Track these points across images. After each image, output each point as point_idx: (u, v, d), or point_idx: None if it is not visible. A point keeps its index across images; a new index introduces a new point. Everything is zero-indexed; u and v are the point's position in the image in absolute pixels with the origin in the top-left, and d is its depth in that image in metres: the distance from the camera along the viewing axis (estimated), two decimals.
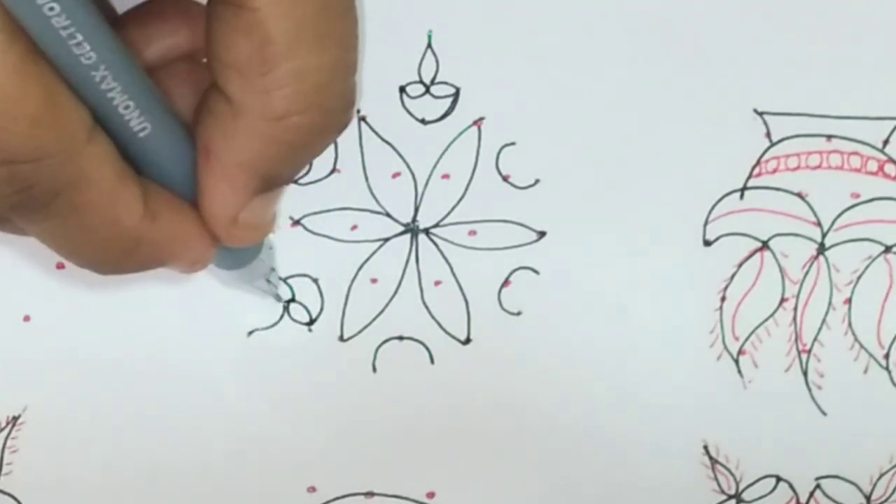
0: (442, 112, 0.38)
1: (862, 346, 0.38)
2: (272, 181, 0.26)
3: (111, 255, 0.26)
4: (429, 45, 0.34)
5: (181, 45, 0.27)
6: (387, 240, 0.38)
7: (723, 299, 0.38)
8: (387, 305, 0.38)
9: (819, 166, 0.37)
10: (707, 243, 0.38)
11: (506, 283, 0.38)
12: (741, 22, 0.37)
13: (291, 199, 0.38)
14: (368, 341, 0.38)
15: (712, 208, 0.37)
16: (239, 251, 0.32)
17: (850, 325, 0.38)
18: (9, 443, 0.38)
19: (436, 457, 0.38)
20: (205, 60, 0.26)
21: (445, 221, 0.38)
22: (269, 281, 0.36)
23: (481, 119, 0.38)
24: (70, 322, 0.38)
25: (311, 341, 0.38)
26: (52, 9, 0.21)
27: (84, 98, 0.23)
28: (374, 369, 0.38)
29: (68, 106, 0.23)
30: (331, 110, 0.24)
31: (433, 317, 0.38)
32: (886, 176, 0.37)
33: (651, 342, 0.38)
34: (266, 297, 0.37)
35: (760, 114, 0.37)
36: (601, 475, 0.38)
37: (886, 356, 0.38)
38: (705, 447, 0.38)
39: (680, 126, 0.37)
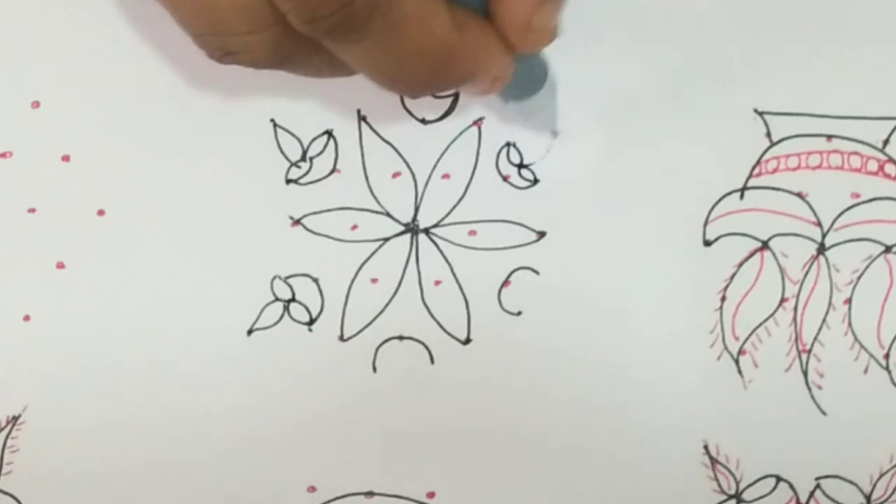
0: (442, 112, 0.38)
1: (862, 346, 0.38)
2: None
3: (426, 69, 0.26)
4: None
5: None
6: (387, 240, 0.38)
7: (723, 299, 0.38)
8: (387, 305, 0.38)
9: (819, 166, 0.37)
10: (707, 243, 0.38)
11: (506, 283, 0.38)
12: (741, 22, 0.37)
13: (291, 199, 0.38)
14: (368, 341, 0.38)
15: (712, 208, 0.37)
16: (527, 79, 0.33)
17: (850, 325, 0.38)
18: (9, 443, 0.38)
19: (436, 457, 0.38)
20: None
21: (445, 221, 0.38)
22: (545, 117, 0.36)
23: (481, 119, 0.38)
24: (70, 322, 0.38)
25: (311, 341, 0.38)
26: None
27: None
28: (374, 369, 0.38)
29: None
30: None
31: (433, 317, 0.38)
32: (886, 176, 0.37)
33: (651, 342, 0.38)
34: (543, 133, 0.37)
35: (760, 114, 0.37)
36: (601, 475, 0.38)
37: (886, 356, 0.38)
38: (705, 447, 0.38)
39: (680, 126, 0.37)
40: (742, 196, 0.37)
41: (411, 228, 0.38)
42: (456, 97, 0.38)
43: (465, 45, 0.27)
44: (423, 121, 0.38)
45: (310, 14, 0.24)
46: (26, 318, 0.38)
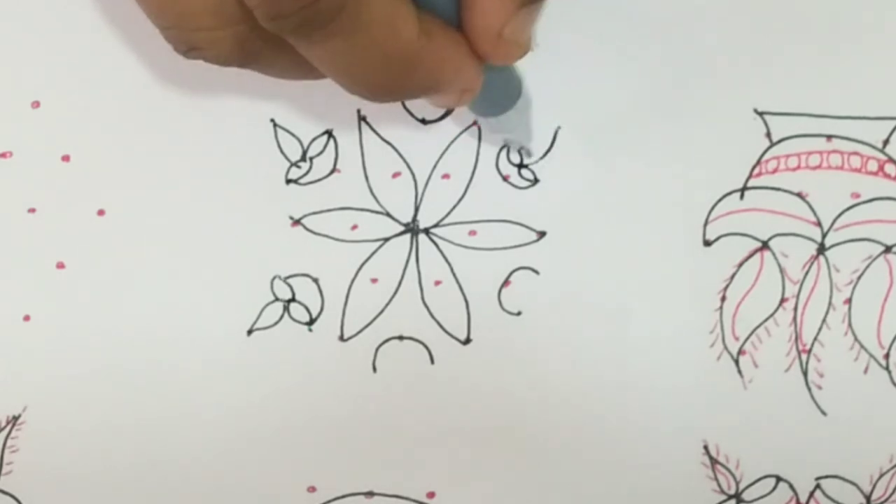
0: (442, 112, 0.38)
1: (862, 346, 0.38)
2: None
3: (390, 73, 0.26)
4: None
5: None
6: (387, 240, 0.38)
7: (723, 299, 0.38)
8: (387, 305, 0.38)
9: (819, 166, 0.37)
10: (707, 243, 0.38)
11: (506, 283, 0.38)
12: (741, 22, 0.37)
13: (291, 199, 0.38)
14: (368, 341, 0.38)
15: (712, 208, 0.37)
16: (499, 93, 0.32)
17: (850, 325, 0.38)
18: (9, 443, 0.38)
19: (436, 457, 0.38)
20: None
21: (445, 221, 0.38)
22: (519, 134, 0.36)
23: None
24: (70, 322, 0.38)
25: (311, 341, 0.38)
26: None
27: None
28: (374, 369, 0.38)
29: None
30: None
31: (433, 317, 0.38)
32: (886, 176, 0.37)
33: (651, 342, 0.38)
34: (517, 149, 0.37)
35: (760, 114, 0.37)
36: (601, 475, 0.38)
37: (886, 356, 0.38)
38: (705, 447, 0.38)
39: (680, 126, 0.37)
40: (742, 196, 0.37)
41: (411, 228, 0.38)
42: None
43: (431, 52, 0.26)
44: (423, 121, 0.38)
45: (275, 11, 0.24)
46: (26, 318, 0.38)
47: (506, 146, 0.37)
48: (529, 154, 0.37)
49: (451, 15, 0.27)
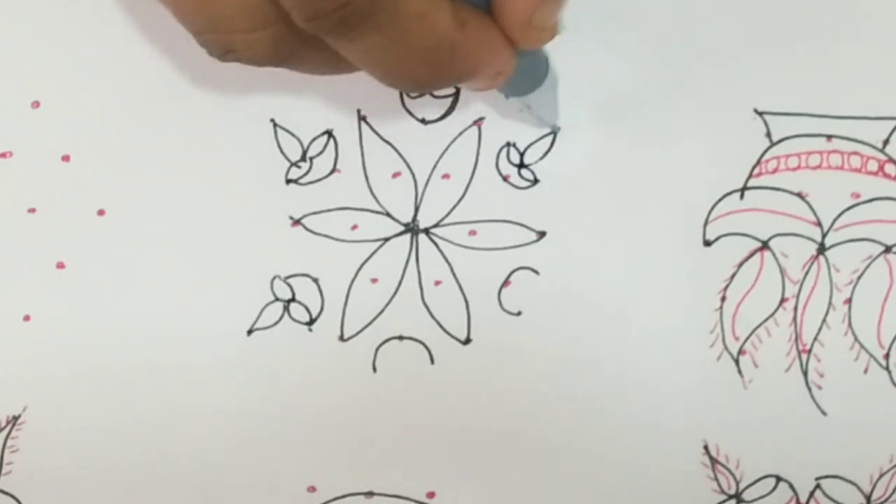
0: (442, 112, 0.38)
1: (862, 346, 0.38)
2: None
3: (428, 65, 0.26)
4: None
5: None
6: (387, 240, 0.38)
7: (723, 299, 0.38)
8: (387, 305, 0.38)
9: (819, 166, 0.37)
10: (707, 243, 0.38)
11: (506, 283, 0.38)
12: (741, 22, 0.37)
13: (291, 199, 0.38)
14: (368, 341, 0.38)
15: (712, 208, 0.37)
16: (528, 74, 0.33)
17: (850, 325, 0.38)
18: (9, 443, 0.38)
19: (436, 457, 0.38)
20: None
21: (445, 221, 0.38)
22: (545, 113, 0.36)
23: (481, 119, 0.38)
24: (70, 322, 0.38)
25: (311, 341, 0.38)
26: None
27: None
28: (374, 369, 0.38)
29: None
30: None
31: (433, 317, 0.38)
32: (886, 176, 0.37)
33: (651, 342, 0.38)
34: (544, 127, 0.37)
35: (760, 114, 0.37)
36: (601, 475, 0.38)
37: (886, 356, 0.38)
38: (705, 447, 0.38)
39: (680, 126, 0.37)
40: (742, 196, 0.37)
41: (411, 228, 0.38)
42: (456, 97, 0.38)
43: (467, 41, 0.27)
44: (423, 121, 0.38)
45: (312, 11, 0.24)
46: (26, 318, 0.38)
47: (508, 145, 0.37)
48: (557, 129, 0.37)
49: (481, 2, 0.28)
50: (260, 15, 0.25)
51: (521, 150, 0.38)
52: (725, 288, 0.38)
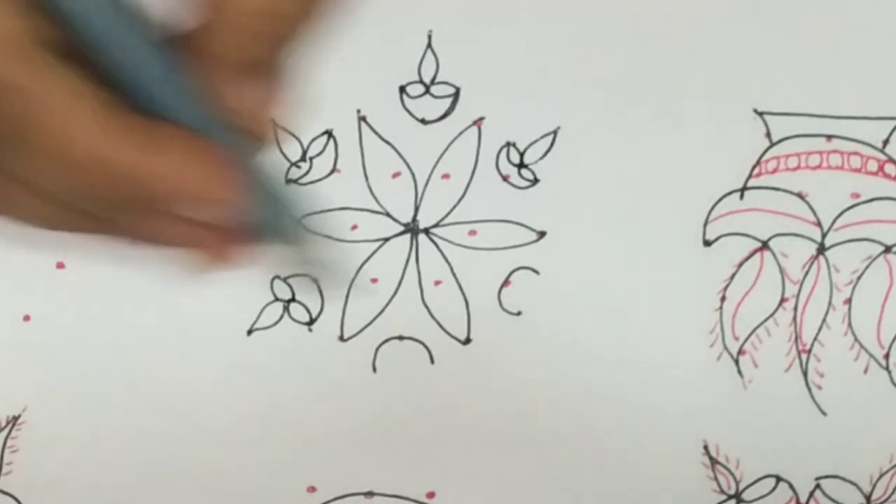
0: (442, 112, 0.38)
1: (862, 346, 0.38)
2: (256, 65, 0.24)
3: (93, 181, 0.23)
4: (429, 45, 0.34)
5: None
6: (387, 240, 0.38)
7: (723, 299, 0.38)
8: (387, 305, 0.38)
9: (819, 166, 0.37)
10: (707, 243, 0.38)
11: (506, 283, 0.38)
12: (741, 22, 0.37)
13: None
14: (368, 341, 0.38)
15: (712, 208, 0.37)
16: (274, 216, 0.31)
17: (850, 325, 0.38)
18: (9, 443, 0.38)
19: (436, 457, 0.38)
20: None
21: (445, 221, 0.38)
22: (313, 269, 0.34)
23: (481, 119, 0.38)
24: (70, 322, 0.38)
25: (311, 341, 0.38)
26: None
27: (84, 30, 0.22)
28: (374, 369, 0.38)
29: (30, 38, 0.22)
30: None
31: (433, 317, 0.38)
32: (886, 176, 0.37)
33: (651, 342, 0.38)
34: (313, 285, 0.37)
35: (760, 114, 0.37)
36: (601, 475, 0.38)
37: (886, 356, 0.38)
38: (705, 447, 0.38)
39: (680, 126, 0.37)
40: (742, 196, 0.37)
41: (411, 228, 0.38)
42: (456, 97, 0.38)
43: (156, 160, 0.23)
44: (423, 121, 0.38)
45: None
46: (26, 318, 0.38)
47: (508, 145, 0.37)
48: (332, 288, 0.36)
49: (200, 124, 0.24)
50: None
51: (521, 150, 0.38)
52: (725, 288, 0.38)
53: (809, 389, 0.38)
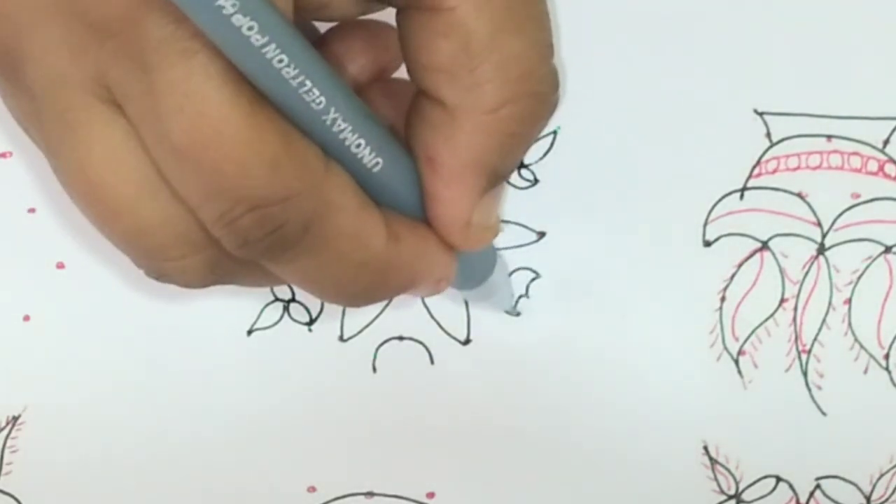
0: None
1: (862, 346, 0.38)
2: (497, 176, 0.26)
3: (363, 283, 0.26)
4: None
5: (374, 65, 0.27)
6: None
7: (723, 299, 0.38)
8: (387, 305, 0.38)
9: (819, 166, 0.37)
10: (707, 244, 0.38)
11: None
12: (741, 22, 0.37)
13: None
14: (368, 341, 0.38)
15: (712, 208, 0.37)
16: (475, 268, 0.32)
17: (850, 325, 0.38)
18: (9, 443, 0.38)
19: (436, 457, 0.38)
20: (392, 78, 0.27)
21: None
22: (503, 295, 0.36)
23: None
24: (70, 322, 0.38)
25: (311, 341, 0.38)
26: (280, 60, 0.21)
27: (315, 137, 0.23)
28: (374, 369, 0.38)
29: (303, 143, 0.23)
30: (540, 94, 0.25)
31: (433, 317, 0.38)
32: (886, 176, 0.37)
33: (651, 342, 0.38)
34: (500, 311, 0.37)
35: (760, 114, 0.37)
36: (601, 475, 0.38)
37: (886, 356, 0.38)
38: (705, 447, 0.38)
39: (680, 126, 0.37)
40: (742, 196, 0.37)
41: None
42: None
43: (401, 255, 0.26)
44: None
45: (242, 238, 0.23)
46: (26, 318, 0.38)
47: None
48: (517, 314, 0.37)
49: (415, 209, 0.26)
50: (192, 242, 0.24)
51: None
52: (725, 288, 0.38)
53: (809, 389, 0.38)
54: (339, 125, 0.23)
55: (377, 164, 0.25)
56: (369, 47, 0.27)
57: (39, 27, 0.22)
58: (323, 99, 0.23)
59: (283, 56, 0.21)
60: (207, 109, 0.22)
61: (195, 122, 0.22)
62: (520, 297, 0.38)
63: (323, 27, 0.28)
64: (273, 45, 0.21)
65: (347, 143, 0.24)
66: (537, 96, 0.25)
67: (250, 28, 0.21)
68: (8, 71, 0.24)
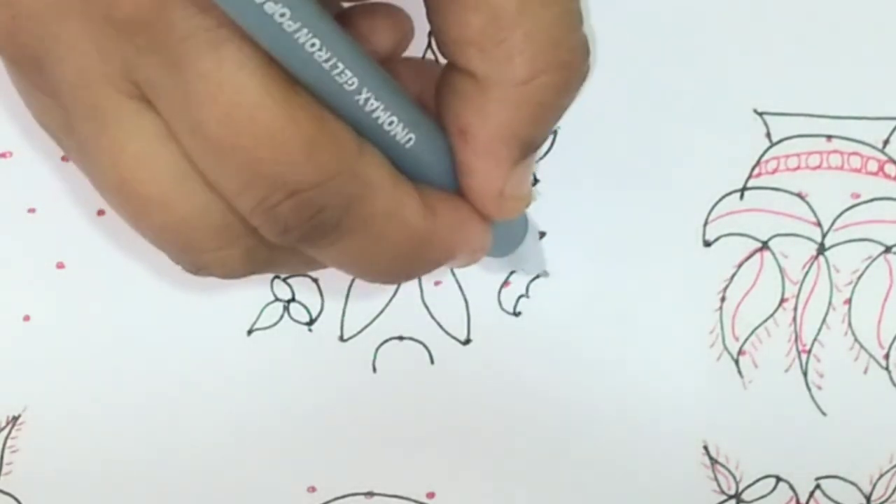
0: None
1: (862, 346, 0.38)
2: (529, 146, 0.26)
3: (403, 260, 0.26)
4: (428, 46, 0.34)
5: (392, 42, 0.27)
6: None
7: (723, 299, 0.38)
8: (387, 305, 0.38)
9: (819, 166, 0.37)
10: (707, 244, 0.38)
11: (506, 283, 0.38)
12: (741, 22, 0.37)
13: None
14: (368, 341, 0.38)
15: (712, 208, 0.37)
16: (508, 236, 0.32)
17: (850, 325, 0.38)
18: (9, 443, 0.38)
19: (436, 457, 0.38)
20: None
21: None
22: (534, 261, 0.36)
23: None
24: (70, 322, 0.38)
25: (311, 341, 0.38)
26: (313, 45, 0.22)
27: (348, 118, 0.24)
28: (374, 369, 0.38)
29: (336, 125, 0.23)
30: (570, 63, 0.25)
31: (433, 317, 0.38)
32: (886, 176, 0.37)
33: (651, 342, 0.38)
34: (531, 275, 0.37)
35: (760, 114, 0.37)
36: (601, 475, 0.38)
37: (886, 356, 0.38)
38: (705, 447, 0.38)
39: (680, 126, 0.37)
40: (742, 196, 0.37)
41: None
42: None
43: (439, 229, 0.26)
44: None
45: (281, 226, 0.23)
46: (26, 318, 0.38)
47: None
48: (546, 275, 0.37)
49: (448, 182, 0.27)
50: (230, 232, 0.25)
51: None
52: (725, 288, 0.38)
53: (809, 389, 0.38)
54: (372, 104, 0.24)
55: (410, 139, 0.25)
56: (391, 25, 0.27)
57: (65, 27, 0.22)
58: (355, 80, 0.23)
59: (316, 40, 0.22)
60: (240, 98, 0.22)
61: (229, 111, 0.22)
62: (520, 297, 0.38)
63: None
64: (305, 30, 0.21)
65: (380, 121, 0.24)
66: (568, 66, 0.25)
67: (282, 14, 0.21)
68: (34, 75, 0.24)
